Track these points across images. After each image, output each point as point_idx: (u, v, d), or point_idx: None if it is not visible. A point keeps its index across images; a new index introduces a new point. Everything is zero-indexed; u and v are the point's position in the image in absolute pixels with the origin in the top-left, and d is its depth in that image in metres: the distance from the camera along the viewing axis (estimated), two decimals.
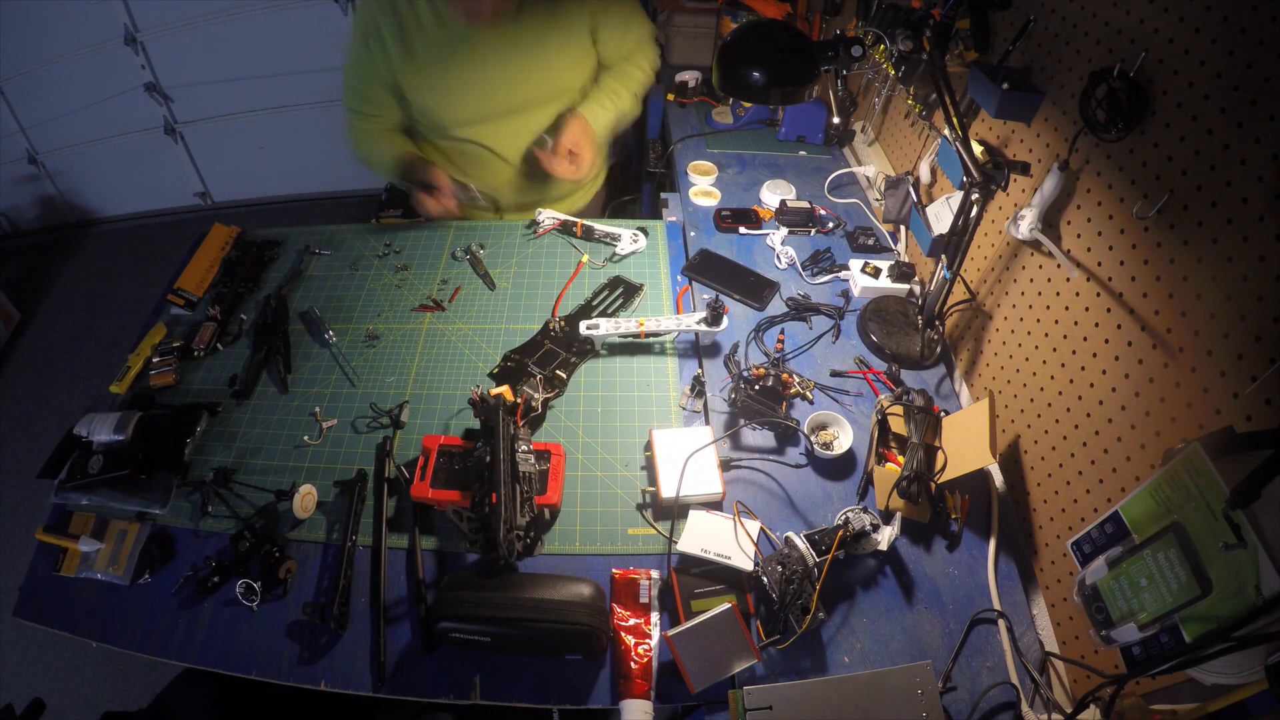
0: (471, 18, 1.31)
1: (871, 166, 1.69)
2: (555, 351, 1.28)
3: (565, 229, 1.51)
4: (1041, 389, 1.05)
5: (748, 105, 1.92)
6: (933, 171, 1.44)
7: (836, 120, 1.82)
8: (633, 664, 0.90)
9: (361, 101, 1.48)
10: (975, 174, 1.03)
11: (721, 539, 0.99)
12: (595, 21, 1.44)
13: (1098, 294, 0.94)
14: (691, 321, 1.24)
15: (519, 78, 1.41)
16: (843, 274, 1.44)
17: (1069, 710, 0.84)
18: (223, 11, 2.67)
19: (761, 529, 1.03)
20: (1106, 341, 0.92)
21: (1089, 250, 0.96)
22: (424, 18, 1.30)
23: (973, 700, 0.90)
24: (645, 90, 1.60)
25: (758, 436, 1.16)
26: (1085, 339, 0.96)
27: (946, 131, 1.07)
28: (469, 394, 1.06)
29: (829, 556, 0.94)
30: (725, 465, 1.10)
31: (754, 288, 1.40)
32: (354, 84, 1.46)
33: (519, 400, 1.11)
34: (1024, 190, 1.11)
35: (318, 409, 1.19)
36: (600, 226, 1.49)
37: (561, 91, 1.49)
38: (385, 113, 1.49)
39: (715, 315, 1.21)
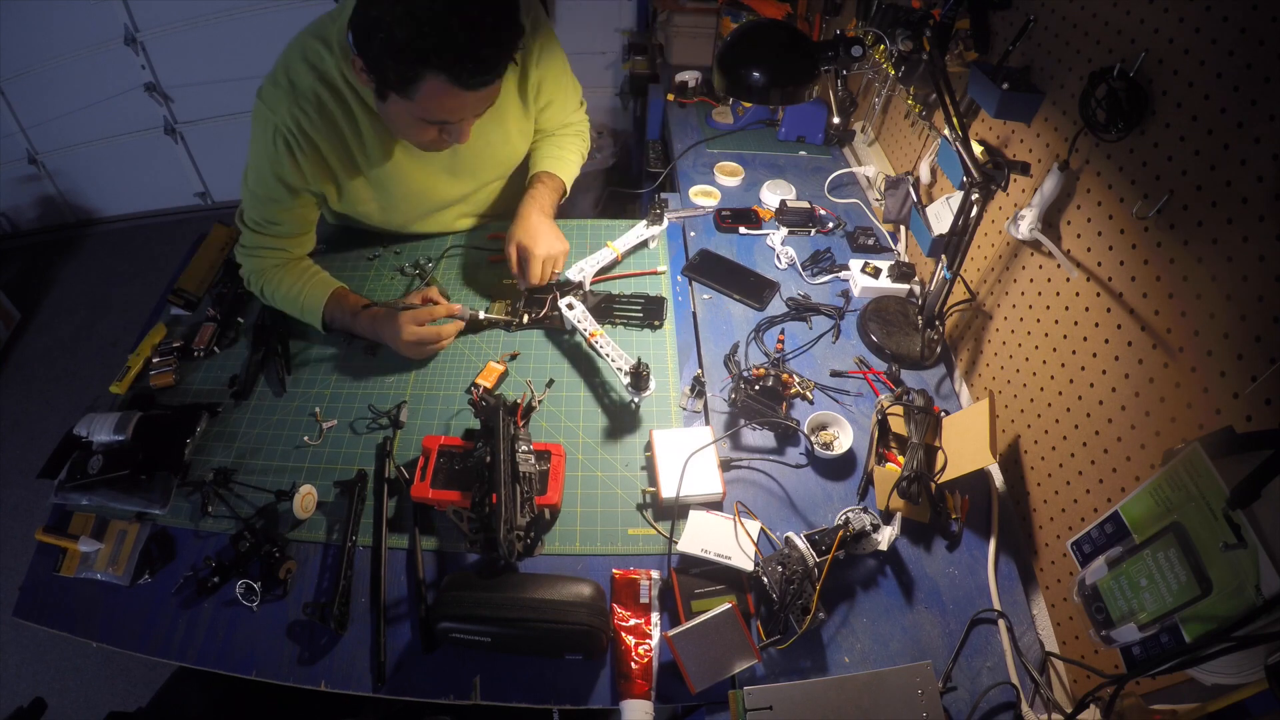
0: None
1: (871, 166, 1.69)
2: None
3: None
4: (1041, 389, 1.05)
5: (748, 105, 1.92)
6: (933, 171, 1.44)
7: (836, 120, 1.82)
8: (633, 664, 0.90)
9: (283, 243, 1.25)
10: (975, 174, 1.03)
11: (721, 539, 0.99)
12: (539, 100, 1.35)
13: (1098, 294, 0.94)
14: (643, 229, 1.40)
15: (468, 170, 1.35)
16: (843, 274, 1.44)
17: (1069, 710, 0.84)
18: (223, 11, 2.67)
19: (761, 529, 1.03)
20: (1106, 341, 0.92)
21: (1089, 250, 0.96)
22: (368, 138, 1.18)
23: (973, 700, 0.90)
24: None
25: (758, 436, 1.16)
26: (1085, 339, 0.96)
27: (946, 131, 1.07)
28: (469, 394, 1.06)
29: (829, 556, 0.94)
30: (725, 465, 1.10)
31: (754, 288, 1.40)
32: (271, 227, 1.22)
33: (519, 400, 1.11)
34: (1024, 190, 1.11)
35: (318, 409, 1.19)
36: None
37: (509, 170, 1.44)
38: (298, 250, 1.29)
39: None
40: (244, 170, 1.21)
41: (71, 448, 1.11)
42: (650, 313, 1.35)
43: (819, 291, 1.42)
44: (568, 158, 1.45)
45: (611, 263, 1.43)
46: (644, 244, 1.51)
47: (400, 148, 1.24)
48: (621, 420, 1.18)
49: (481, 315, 1.30)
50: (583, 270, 1.36)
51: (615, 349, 1.19)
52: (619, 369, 1.16)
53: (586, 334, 1.22)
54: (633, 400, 1.17)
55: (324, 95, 1.13)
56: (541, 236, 1.30)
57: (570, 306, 1.26)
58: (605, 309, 1.35)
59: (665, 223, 1.52)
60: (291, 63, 1.14)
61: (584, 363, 1.27)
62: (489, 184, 1.44)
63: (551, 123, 1.44)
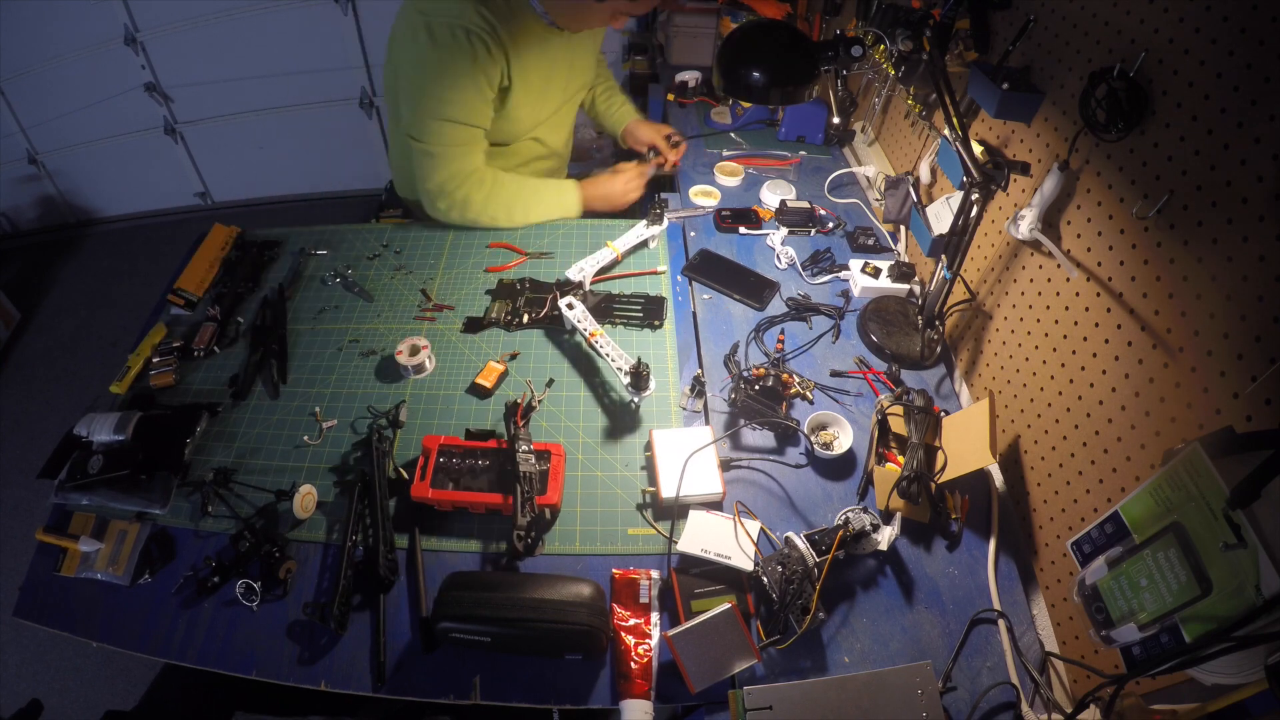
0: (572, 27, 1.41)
1: (871, 166, 1.69)
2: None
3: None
4: (1041, 389, 1.05)
5: (747, 105, 1.92)
6: (933, 171, 1.44)
7: (836, 120, 1.82)
8: (633, 664, 0.90)
9: (475, 137, 1.40)
10: (975, 174, 1.03)
11: (721, 539, 0.99)
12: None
13: (1098, 294, 0.94)
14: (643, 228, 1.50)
15: (571, 75, 1.54)
16: (843, 274, 1.44)
17: (1069, 710, 0.84)
18: (223, 11, 2.67)
19: (761, 529, 1.03)
20: (1106, 341, 0.92)
21: (1089, 250, 0.96)
22: (524, 37, 1.34)
23: (973, 700, 0.90)
24: None
25: (758, 436, 1.16)
26: (1085, 339, 0.96)
27: (946, 131, 1.07)
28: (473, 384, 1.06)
29: (829, 556, 0.94)
30: (725, 465, 1.10)
31: (754, 288, 1.40)
32: (462, 129, 1.37)
33: (519, 400, 1.11)
34: (1024, 190, 1.11)
35: (318, 409, 1.19)
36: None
37: (586, 86, 1.67)
38: (484, 146, 1.46)
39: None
40: (412, 93, 1.33)
41: (71, 448, 1.11)
42: (650, 313, 1.35)
43: (819, 291, 1.42)
44: (635, 111, 1.80)
45: (611, 263, 1.44)
46: (644, 244, 1.51)
47: (542, 44, 1.39)
48: (621, 420, 1.18)
49: (652, 158, 1.67)
50: (583, 270, 1.36)
51: (615, 349, 1.19)
52: (619, 369, 1.16)
53: (586, 334, 1.22)
54: (633, 400, 1.18)
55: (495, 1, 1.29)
56: (650, 127, 1.74)
57: (570, 306, 1.26)
58: (605, 309, 1.35)
59: (665, 223, 1.52)
60: None
61: (584, 363, 1.27)
62: (577, 98, 1.66)
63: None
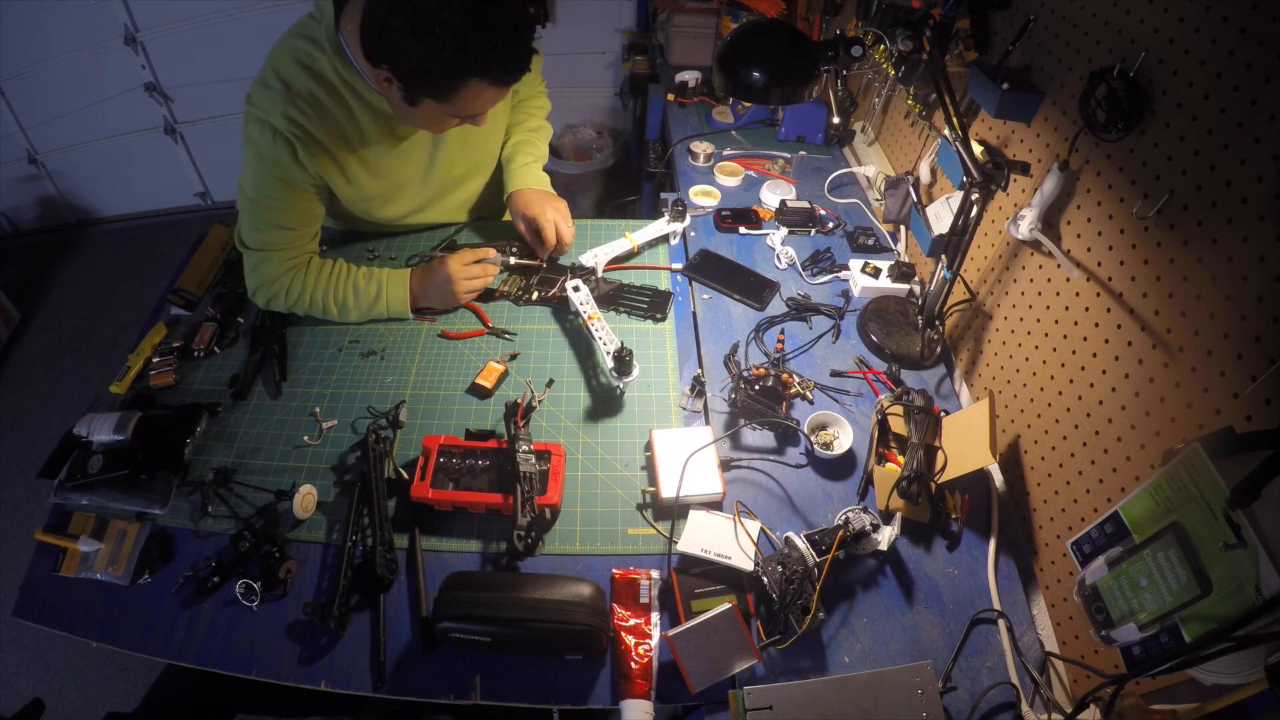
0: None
1: (871, 166, 1.69)
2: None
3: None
4: (1041, 389, 1.05)
5: (748, 105, 1.92)
6: (933, 171, 1.44)
7: (836, 120, 1.82)
8: (633, 664, 0.90)
9: (294, 240, 1.26)
10: (975, 174, 1.03)
11: (721, 539, 0.99)
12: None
13: (1098, 294, 0.94)
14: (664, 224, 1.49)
15: (455, 157, 1.38)
16: (843, 274, 1.44)
17: (1069, 710, 0.84)
18: (223, 11, 2.67)
19: (761, 529, 1.03)
20: (1106, 341, 0.92)
21: (1089, 250, 0.96)
22: (366, 129, 1.19)
23: (973, 700, 0.90)
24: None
25: (758, 436, 1.16)
26: (1085, 339, 0.96)
27: (946, 131, 1.07)
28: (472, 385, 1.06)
29: (829, 556, 0.94)
30: (725, 465, 1.10)
31: (754, 288, 1.40)
32: (278, 233, 1.24)
33: (519, 400, 1.11)
34: (1024, 190, 1.11)
35: (318, 409, 1.19)
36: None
37: (493, 157, 1.50)
38: (310, 244, 1.31)
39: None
40: (239, 185, 1.21)
41: (71, 447, 1.11)
42: (655, 305, 1.36)
43: (819, 291, 1.42)
44: (538, 172, 1.50)
45: (627, 254, 1.45)
46: (664, 239, 1.51)
47: (397, 134, 1.25)
48: (622, 420, 1.18)
49: (513, 261, 1.42)
50: (596, 257, 1.39)
51: (608, 333, 1.20)
52: (607, 352, 1.17)
53: (585, 317, 1.24)
54: (617, 385, 1.18)
55: (319, 92, 1.13)
56: (537, 201, 1.41)
57: (576, 289, 1.28)
58: (614, 297, 1.38)
59: (688, 219, 1.52)
60: (281, 65, 1.13)
61: (585, 362, 1.27)
62: (478, 173, 1.48)
63: (519, 96, 1.51)
